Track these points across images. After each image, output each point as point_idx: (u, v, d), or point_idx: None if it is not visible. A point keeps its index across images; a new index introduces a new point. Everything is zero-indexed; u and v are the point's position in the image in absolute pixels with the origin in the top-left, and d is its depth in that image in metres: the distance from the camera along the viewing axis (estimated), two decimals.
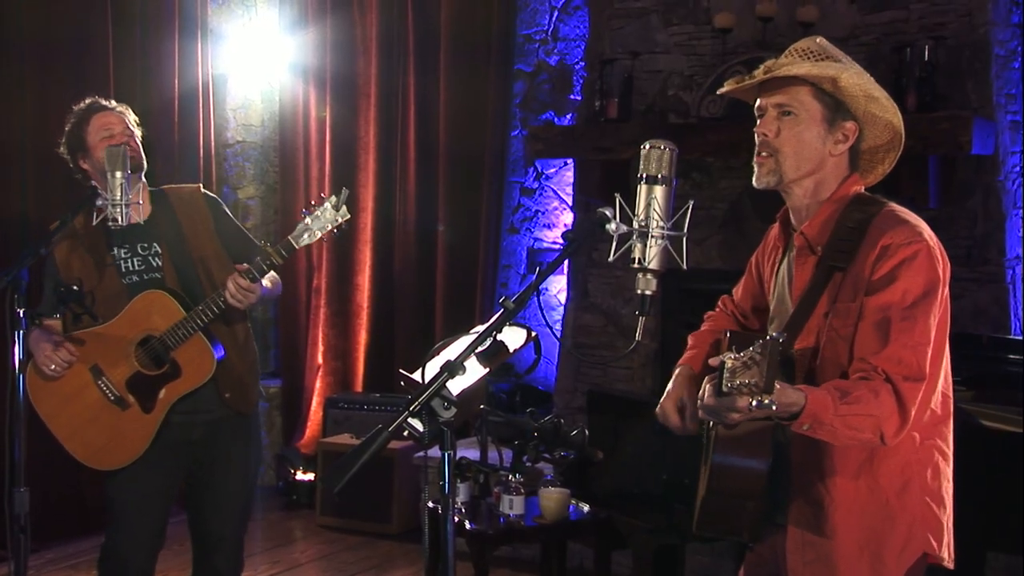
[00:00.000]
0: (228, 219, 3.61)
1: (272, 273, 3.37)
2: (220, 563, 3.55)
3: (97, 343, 3.35)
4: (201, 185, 3.63)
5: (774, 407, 1.95)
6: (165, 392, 3.36)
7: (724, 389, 1.93)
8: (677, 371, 2.57)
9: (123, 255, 3.41)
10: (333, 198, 3.27)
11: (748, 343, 2.24)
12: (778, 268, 2.51)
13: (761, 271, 2.62)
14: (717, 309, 2.78)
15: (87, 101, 3.50)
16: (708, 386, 2.04)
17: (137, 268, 3.41)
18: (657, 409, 2.53)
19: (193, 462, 3.50)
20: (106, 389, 3.37)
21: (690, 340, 2.69)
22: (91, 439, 3.37)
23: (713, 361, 2.04)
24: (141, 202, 3.37)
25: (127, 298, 3.36)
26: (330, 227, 3.27)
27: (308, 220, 3.27)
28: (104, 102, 3.49)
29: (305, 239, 3.28)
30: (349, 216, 3.29)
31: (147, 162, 3.46)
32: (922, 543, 2.30)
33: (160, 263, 3.42)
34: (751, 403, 1.94)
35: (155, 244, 3.44)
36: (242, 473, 3.56)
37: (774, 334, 1.89)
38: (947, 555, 2.33)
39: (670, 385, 2.54)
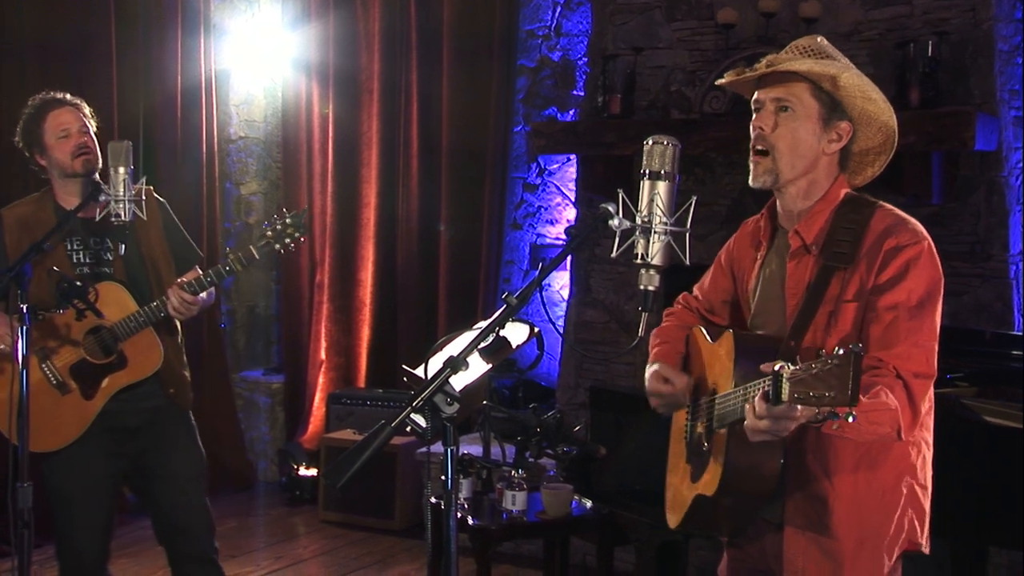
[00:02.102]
0: (175, 224, 3.66)
1: None
2: (200, 548, 3.56)
3: (47, 327, 3.38)
4: (152, 188, 3.63)
5: (851, 419, 1.92)
6: (108, 381, 3.42)
7: (784, 398, 1.90)
8: (653, 367, 2.57)
9: (75, 247, 3.46)
10: (295, 214, 3.43)
11: (759, 345, 2.25)
12: (762, 264, 2.51)
13: (734, 265, 2.62)
14: (677, 306, 2.77)
15: (40, 96, 3.51)
16: (758, 398, 2.02)
17: (87, 261, 3.46)
18: (651, 401, 2.56)
19: (137, 451, 3.52)
20: (49, 373, 3.42)
21: (655, 337, 2.68)
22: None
23: (765, 367, 2.02)
24: (144, 199, 3.37)
25: None
26: (289, 242, 3.42)
27: (269, 233, 3.41)
28: (59, 96, 3.49)
29: (265, 251, 3.42)
30: (307, 233, 3.46)
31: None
32: (911, 531, 2.34)
33: (111, 258, 3.47)
34: (817, 414, 1.92)
35: (107, 240, 3.47)
36: (196, 459, 3.60)
37: (851, 345, 1.85)
38: (924, 542, 2.37)
39: (649, 373, 2.57)
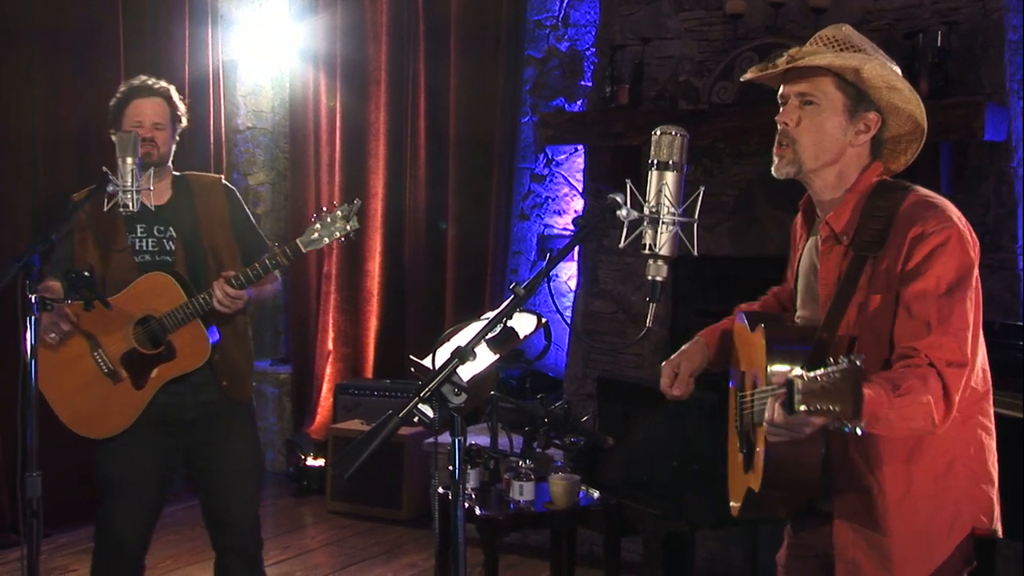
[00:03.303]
0: (244, 212, 3.67)
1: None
2: (244, 543, 3.59)
3: (97, 316, 3.39)
4: (223, 176, 3.66)
5: (859, 431, 1.90)
6: (157, 372, 3.43)
7: (798, 409, 1.90)
8: (695, 339, 2.65)
9: (140, 233, 3.48)
10: (346, 207, 3.37)
11: (791, 338, 2.27)
12: (801, 254, 2.51)
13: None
14: (767, 296, 2.78)
15: (134, 81, 3.55)
16: (776, 405, 2.01)
17: (151, 248, 3.48)
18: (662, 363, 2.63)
19: (192, 444, 3.54)
20: (101, 361, 3.44)
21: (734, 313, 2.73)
22: (79, 406, 3.44)
23: (777, 378, 2.02)
24: (152, 188, 3.38)
25: (138, 276, 3.42)
26: (339, 235, 3.36)
27: (318, 226, 3.36)
28: (148, 83, 3.53)
29: (313, 244, 3.37)
30: (358, 227, 3.39)
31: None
32: (970, 519, 2.31)
33: (173, 247, 3.49)
34: (829, 424, 1.93)
35: (170, 228, 3.50)
36: (249, 455, 3.62)
37: (851, 357, 1.84)
38: (999, 527, 2.35)
39: (683, 348, 2.64)
